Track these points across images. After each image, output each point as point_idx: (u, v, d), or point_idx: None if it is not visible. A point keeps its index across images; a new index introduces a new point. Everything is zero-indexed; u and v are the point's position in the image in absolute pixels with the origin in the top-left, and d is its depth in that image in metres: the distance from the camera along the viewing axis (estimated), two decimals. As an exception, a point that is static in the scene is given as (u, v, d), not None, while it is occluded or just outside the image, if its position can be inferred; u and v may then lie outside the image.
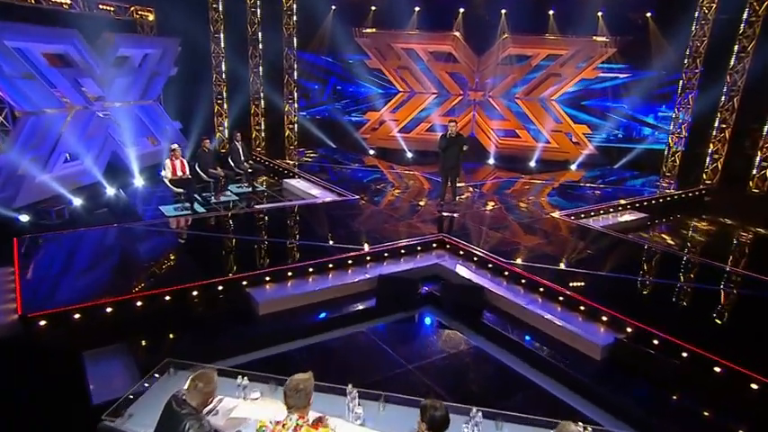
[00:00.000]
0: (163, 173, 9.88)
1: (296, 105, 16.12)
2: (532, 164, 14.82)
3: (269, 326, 6.30)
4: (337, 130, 16.43)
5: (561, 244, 8.47)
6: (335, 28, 15.60)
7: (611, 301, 6.36)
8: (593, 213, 10.31)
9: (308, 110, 17.02)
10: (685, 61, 13.58)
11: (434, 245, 8.18)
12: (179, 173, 9.87)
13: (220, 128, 15.40)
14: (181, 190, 9.77)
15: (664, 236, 9.86)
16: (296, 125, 16.29)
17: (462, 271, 7.49)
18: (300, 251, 7.80)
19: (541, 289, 6.96)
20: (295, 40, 15.58)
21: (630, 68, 14.56)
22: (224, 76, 14.89)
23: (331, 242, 8.04)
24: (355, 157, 14.71)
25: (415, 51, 15.64)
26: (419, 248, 8.10)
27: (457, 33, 15.22)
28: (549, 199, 11.06)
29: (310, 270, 7.35)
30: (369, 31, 15.69)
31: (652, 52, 13.99)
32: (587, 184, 12.80)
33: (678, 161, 14.24)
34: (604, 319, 6.25)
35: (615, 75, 14.79)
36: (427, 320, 6.91)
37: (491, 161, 15.20)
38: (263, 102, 15.64)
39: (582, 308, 6.51)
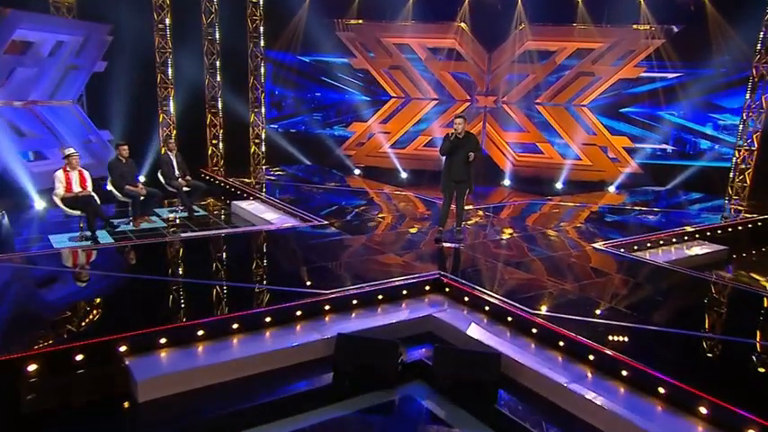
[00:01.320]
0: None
1: (263, 115, 14.85)
2: (559, 185, 13.64)
3: (152, 423, 4.27)
4: (316, 146, 15.24)
5: (611, 286, 6.68)
6: (312, 20, 14.43)
7: (708, 380, 4.38)
8: (649, 245, 8.59)
9: (279, 122, 15.76)
10: (756, 54, 11.87)
11: (427, 287, 6.50)
12: (75, 188, 7.94)
13: (169, 141, 13.58)
14: (77, 213, 7.80)
15: (755, 275, 7.85)
16: (263, 139, 14.94)
17: (468, 327, 5.71)
18: (226, 298, 5.97)
19: (591, 357, 4.92)
20: (262, 34, 14.39)
21: (682, 65, 13.29)
22: (171, 77, 13.42)
23: (272, 284, 6.31)
24: (336, 178, 13.45)
25: (410, 47, 14.58)
26: (404, 293, 6.38)
27: (462, 25, 14.14)
28: (584, 227, 9.47)
29: (234, 327, 5.40)
30: (353, 22, 14.56)
31: (711, 43, 12.57)
32: (635, 208, 11.19)
33: (748, 181, 12.34)
34: (704, 411, 4.13)
35: (662, 74, 13.53)
36: (412, 409, 4.90)
37: (506, 182, 14.01)
38: (221, 110, 14.23)
39: (662, 390, 4.42)
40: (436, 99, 14.78)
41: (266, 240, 8.19)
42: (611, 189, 13.34)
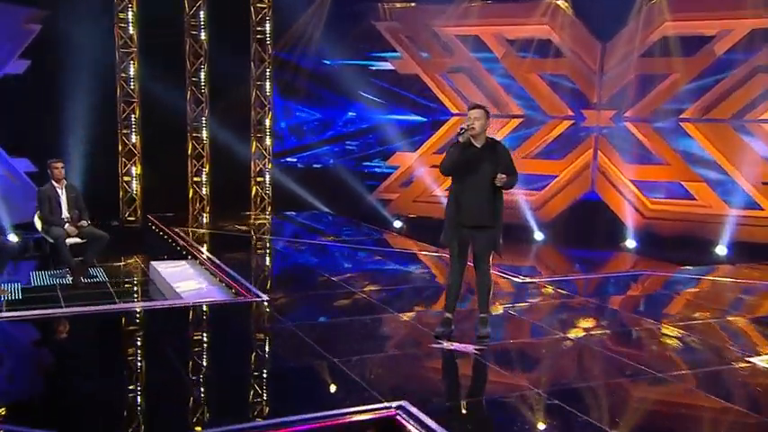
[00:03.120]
0: None
1: (269, 143, 13.95)
2: (721, 250, 11.37)
3: None
4: (347, 189, 14.04)
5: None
6: (339, 6, 13.55)
7: None
8: None
9: (296, 153, 14.94)
10: None
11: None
12: None
13: (126, 178, 12.99)
14: None
15: None
16: (268, 177, 14.04)
17: None
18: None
19: None
20: (269, 28, 13.55)
21: None
22: (134, 89, 12.68)
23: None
24: (362, 233, 12.48)
25: (480, 40, 13.16)
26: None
27: (560, 2, 12.61)
28: (760, 325, 7.18)
29: None
30: (398, 6, 13.51)
31: None
32: None
33: None
34: None
35: None
36: None
37: (630, 244, 11.83)
38: (206, 137, 13.41)
39: None
40: (520, 116, 13.22)
41: (139, 326, 6.89)
42: (817, 258, 11.02)
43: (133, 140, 12.77)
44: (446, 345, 5.67)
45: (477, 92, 13.22)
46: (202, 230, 11.53)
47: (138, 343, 6.41)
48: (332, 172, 14.42)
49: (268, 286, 7.97)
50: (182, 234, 10.75)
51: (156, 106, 12.72)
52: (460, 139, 5.68)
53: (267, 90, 13.65)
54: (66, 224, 8.35)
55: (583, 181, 12.69)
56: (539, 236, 11.94)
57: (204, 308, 7.29)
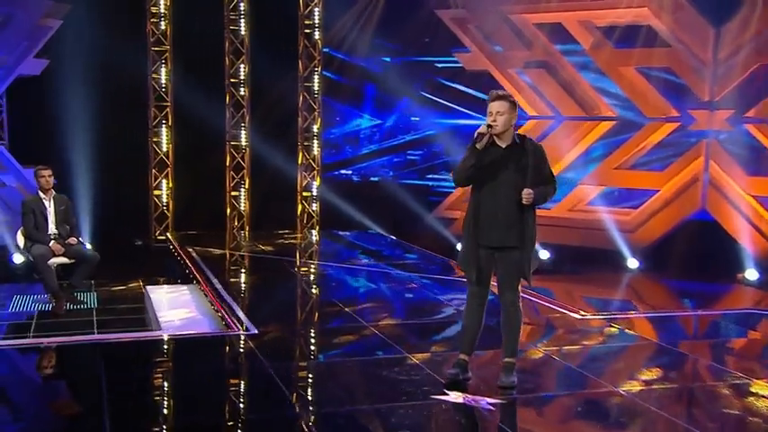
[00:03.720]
0: None
1: (317, 153, 13.90)
2: None
3: None
4: (406, 206, 13.81)
5: None
6: None
7: None
8: None
9: (351, 165, 14.93)
10: None
11: None
12: None
13: (157, 192, 13.18)
14: None
15: None
16: (316, 191, 14.02)
17: None
18: None
19: None
20: (318, 20, 13.56)
21: None
22: (167, 92, 12.89)
23: None
24: (409, 255, 12.30)
25: (563, 29, 12.69)
26: None
27: None
28: None
29: None
30: None
31: None
32: None
33: None
34: None
35: None
36: None
37: (751, 275, 10.95)
38: (246, 145, 13.49)
39: None
40: (612, 119, 12.66)
41: (89, 362, 6.54)
42: None
43: (165, 149, 12.94)
44: (453, 397, 5.06)
45: (558, 90, 12.81)
46: (221, 251, 11.53)
47: (72, 382, 6.07)
48: (391, 186, 14.29)
49: (265, 317, 7.66)
50: (193, 255, 10.76)
51: (191, 111, 12.74)
52: (478, 146, 5.25)
53: (316, 91, 13.63)
54: (52, 241, 8.21)
55: (690, 197, 11.94)
56: (633, 263, 11.21)
57: (174, 342, 6.97)
